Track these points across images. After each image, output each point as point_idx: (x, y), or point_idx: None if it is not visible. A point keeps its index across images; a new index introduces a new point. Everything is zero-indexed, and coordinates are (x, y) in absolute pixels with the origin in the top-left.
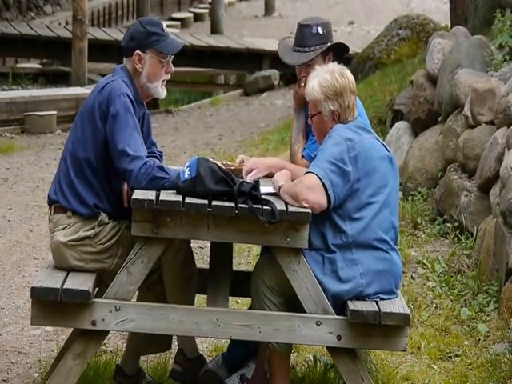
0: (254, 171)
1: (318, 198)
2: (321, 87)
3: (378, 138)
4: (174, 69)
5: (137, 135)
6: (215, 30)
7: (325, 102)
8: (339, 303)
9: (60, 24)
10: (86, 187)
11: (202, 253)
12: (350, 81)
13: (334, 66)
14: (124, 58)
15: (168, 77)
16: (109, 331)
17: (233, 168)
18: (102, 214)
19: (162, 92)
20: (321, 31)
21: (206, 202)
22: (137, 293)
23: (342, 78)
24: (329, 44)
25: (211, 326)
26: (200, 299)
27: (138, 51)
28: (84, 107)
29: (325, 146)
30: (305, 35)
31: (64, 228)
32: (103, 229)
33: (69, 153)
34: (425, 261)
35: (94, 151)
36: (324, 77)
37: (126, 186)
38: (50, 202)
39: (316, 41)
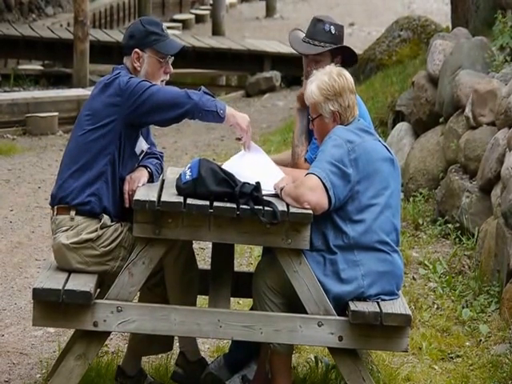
0: None
1: (320, 199)
2: (319, 89)
3: (380, 139)
4: (172, 70)
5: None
6: (216, 31)
7: (325, 103)
8: (341, 304)
9: (61, 26)
10: (90, 183)
11: (203, 254)
12: (349, 80)
13: (332, 68)
14: (124, 57)
15: (167, 77)
16: (110, 332)
17: None
18: (105, 216)
19: None
20: (333, 31)
21: (207, 203)
22: (138, 294)
23: (340, 78)
24: (338, 45)
25: (213, 326)
26: (201, 300)
27: (136, 49)
28: (89, 105)
29: (325, 147)
30: (317, 29)
31: (66, 230)
32: (106, 231)
33: (73, 149)
34: (426, 262)
35: (101, 147)
36: (322, 79)
37: (126, 186)
38: (53, 203)
39: (327, 38)
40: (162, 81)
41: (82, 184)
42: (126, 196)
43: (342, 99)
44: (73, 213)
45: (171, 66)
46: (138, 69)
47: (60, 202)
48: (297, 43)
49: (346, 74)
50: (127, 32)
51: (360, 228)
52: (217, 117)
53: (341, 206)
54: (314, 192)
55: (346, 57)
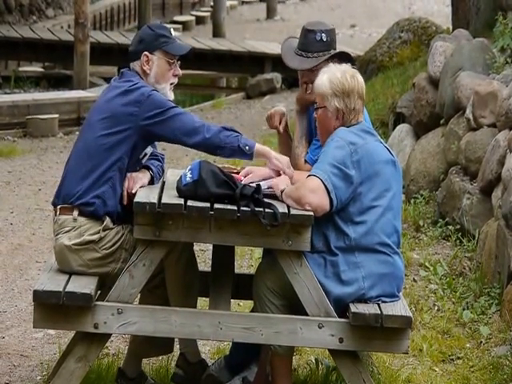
0: (250, 175)
1: (321, 201)
2: (330, 82)
3: (382, 141)
4: (181, 72)
5: (186, 112)
6: (217, 33)
7: (332, 97)
8: (341, 306)
9: (62, 27)
10: (97, 185)
11: (203, 256)
12: (360, 85)
13: (347, 68)
14: (131, 63)
15: (176, 80)
16: (111, 334)
17: (235, 171)
18: (108, 218)
19: (170, 95)
20: (325, 38)
21: (208, 204)
22: (139, 296)
23: (352, 79)
24: (332, 52)
25: (213, 328)
26: (202, 302)
27: (146, 52)
28: (105, 108)
29: (327, 149)
30: (308, 40)
31: (69, 230)
32: (108, 233)
33: (82, 150)
34: (427, 263)
35: (113, 153)
36: (335, 74)
37: (126, 184)
38: (57, 202)
39: (319, 47)
40: (172, 83)
41: (88, 185)
42: (125, 193)
43: (348, 100)
44: (75, 213)
45: (179, 69)
46: (148, 72)
47: (64, 201)
48: (289, 57)
49: (359, 77)
50: (136, 38)
51: (361, 229)
52: (241, 153)
53: (342, 208)
54: (315, 194)
55: (342, 59)
